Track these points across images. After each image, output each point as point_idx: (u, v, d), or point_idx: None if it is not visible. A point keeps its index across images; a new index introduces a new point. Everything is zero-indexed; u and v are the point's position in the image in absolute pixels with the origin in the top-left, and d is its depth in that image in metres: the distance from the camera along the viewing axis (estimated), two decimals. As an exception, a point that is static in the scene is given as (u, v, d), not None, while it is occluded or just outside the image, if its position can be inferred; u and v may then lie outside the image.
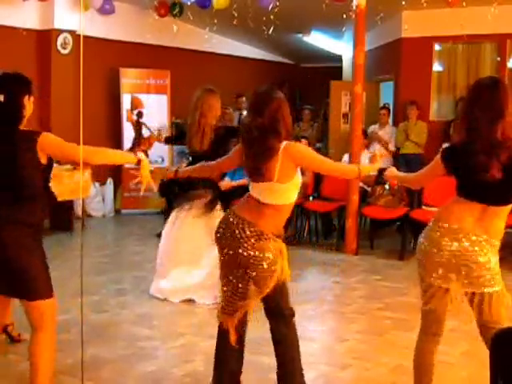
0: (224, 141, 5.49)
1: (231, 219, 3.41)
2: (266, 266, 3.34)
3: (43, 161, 3.29)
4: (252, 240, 3.32)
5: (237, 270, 3.39)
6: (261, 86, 3.51)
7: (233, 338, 3.48)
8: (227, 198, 6.01)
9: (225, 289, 3.48)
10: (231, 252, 3.38)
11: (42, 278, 3.30)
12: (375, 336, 4.96)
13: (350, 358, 4.49)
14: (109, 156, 3.57)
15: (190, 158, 5.71)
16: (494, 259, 3.18)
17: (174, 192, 5.87)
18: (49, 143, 3.28)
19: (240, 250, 3.34)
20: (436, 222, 3.25)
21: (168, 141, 6.45)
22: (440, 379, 3.48)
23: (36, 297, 3.28)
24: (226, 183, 7.78)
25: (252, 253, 3.32)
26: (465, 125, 3.14)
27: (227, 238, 3.40)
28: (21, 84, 3.40)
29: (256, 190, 3.42)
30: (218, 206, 5.62)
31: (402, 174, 3.76)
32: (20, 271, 3.24)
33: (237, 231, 3.34)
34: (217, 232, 3.47)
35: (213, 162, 3.82)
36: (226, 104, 11.20)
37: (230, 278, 3.43)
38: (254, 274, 3.34)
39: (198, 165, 4.05)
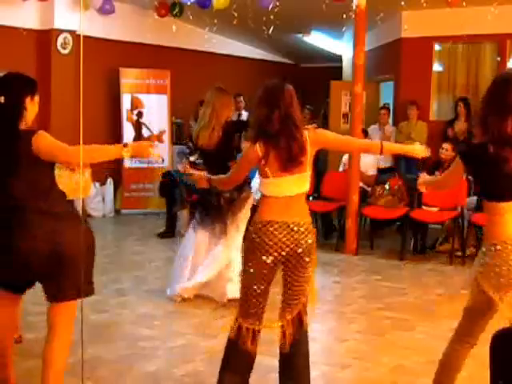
0: (231, 136, 5.54)
1: (303, 228, 3.36)
2: (310, 272, 3.44)
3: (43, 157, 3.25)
4: (310, 235, 3.37)
5: (274, 274, 3.40)
6: (270, 81, 3.49)
7: (248, 341, 3.41)
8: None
9: (257, 293, 3.41)
10: (307, 259, 3.40)
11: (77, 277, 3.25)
12: (375, 336, 4.96)
13: (350, 357, 4.49)
14: (100, 153, 3.44)
15: (197, 153, 5.70)
16: None
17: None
18: (41, 142, 3.22)
19: (299, 250, 3.35)
20: (501, 244, 3.11)
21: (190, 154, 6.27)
22: (440, 379, 3.48)
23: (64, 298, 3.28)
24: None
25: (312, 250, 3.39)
26: (477, 121, 3.17)
27: (309, 249, 3.39)
28: (22, 85, 3.34)
29: (284, 184, 3.35)
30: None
31: (429, 178, 3.75)
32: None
33: (312, 239, 3.38)
34: (304, 247, 3.38)
35: (229, 175, 3.75)
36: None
37: (265, 285, 3.40)
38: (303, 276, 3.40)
39: (224, 176, 3.88)
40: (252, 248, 3.38)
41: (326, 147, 3.59)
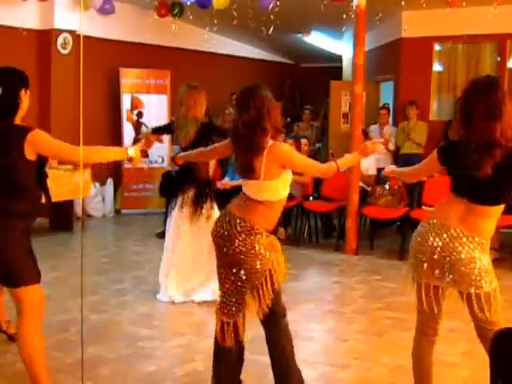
0: (206, 136, 5.49)
1: (224, 217, 3.46)
2: (259, 266, 3.36)
3: (30, 157, 3.33)
4: (243, 235, 3.35)
5: (233, 268, 3.41)
6: (248, 83, 3.51)
7: (227, 337, 3.48)
8: (226, 199, 5.98)
9: (223, 288, 3.48)
10: (225, 250, 3.41)
11: (22, 265, 3.37)
12: (375, 336, 4.96)
13: (350, 357, 4.49)
14: (99, 154, 3.61)
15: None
16: (481, 258, 3.14)
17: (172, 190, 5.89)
18: (38, 140, 3.34)
19: (232, 247, 3.37)
20: (427, 219, 3.29)
21: (156, 131, 6.40)
22: (440, 379, 3.48)
23: (18, 284, 3.38)
24: (225, 183, 7.79)
25: (243, 249, 3.35)
26: (462, 123, 3.15)
27: (221, 236, 3.43)
28: (17, 78, 3.47)
29: (246, 186, 3.46)
30: (215, 207, 5.61)
31: (398, 169, 3.82)
32: (5, 258, 3.35)
33: (229, 228, 3.38)
34: (213, 231, 3.50)
35: (207, 148, 3.88)
36: (226, 104, 11.24)
37: (228, 277, 3.44)
38: (246, 271, 3.36)
39: (194, 150, 4.08)
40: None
41: (285, 165, 3.42)
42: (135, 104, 10.51)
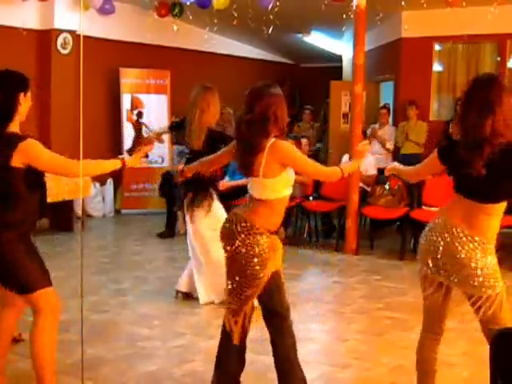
0: (215, 145, 5.26)
1: (229, 217, 3.49)
2: (258, 267, 3.35)
3: (16, 165, 3.24)
4: (242, 235, 3.35)
5: (236, 267, 3.41)
6: (259, 82, 3.50)
7: (236, 336, 3.48)
8: (229, 199, 5.98)
9: (229, 288, 3.49)
10: (228, 248, 3.42)
11: (28, 272, 3.34)
12: (375, 336, 4.96)
13: (350, 357, 4.49)
14: (96, 167, 3.57)
15: (188, 155, 5.67)
16: (483, 259, 3.11)
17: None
18: (29, 152, 3.25)
19: (233, 247, 3.38)
20: (433, 218, 3.29)
21: (173, 128, 6.34)
22: (440, 379, 3.48)
23: (27, 290, 3.37)
24: (225, 183, 7.78)
25: (243, 250, 3.35)
26: (459, 121, 3.16)
27: (224, 236, 3.45)
28: (14, 81, 3.41)
29: (249, 185, 3.48)
30: (220, 206, 5.57)
31: (400, 167, 3.80)
32: (4, 268, 3.33)
33: (231, 227, 3.39)
34: (220, 232, 3.51)
35: (211, 156, 3.86)
36: (226, 104, 11.23)
37: (233, 276, 3.45)
38: (246, 270, 3.36)
39: (197, 161, 4.06)
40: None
41: (287, 165, 3.41)
42: (135, 104, 10.51)
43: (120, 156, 3.66)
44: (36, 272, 3.38)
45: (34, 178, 3.37)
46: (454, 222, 3.16)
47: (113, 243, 8.65)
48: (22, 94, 3.38)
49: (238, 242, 3.36)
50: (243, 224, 3.36)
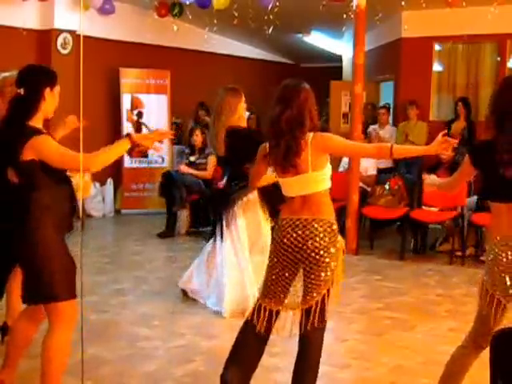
0: (238, 145, 5.14)
1: (284, 223, 3.38)
2: (329, 273, 3.40)
3: (27, 157, 3.19)
4: (323, 234, 3.33)
5: (302, 267, 3.41)
6: (288, 80, 3.49)
7: (260, 323, 3.44)
8: (226, 199, 5.78)
9: (276, 274, 3.46)
10: (304, 247, 3.35)
11: (57, 278, 3.28)
12: (375, 336, 4.95)
13: (350, 358, 4.49)
14: (106, 155, 3.43)
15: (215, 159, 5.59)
16: None
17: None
18: (40, 147, 3.20)
19: (310, 249, 3.33)
20: (490, 241, 3.19)
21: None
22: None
23: (52, 299, 3.29)
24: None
25: (334, 250, 3.36)
26: (495, 123, 3.14)
27: (328, 243, 3.37)
28: (41, 76, 3.36)
29: (294, 186, 3.40)
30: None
31: (438, 181, 3.73)
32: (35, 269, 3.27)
33: (306, 229, 3.33)
34: (319, 242, 3.37)
35: (251, 173, 3.81)
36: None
37: (291, 270, 3.45)
38: (318, 272, 3.37)
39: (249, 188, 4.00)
40: (272, 244, 3.49)
41: (333, 153, 3.49)
42: (135, 104, 10.51)
43: (124, 134, 3.55)
44: (65, 281, 3.31)
45: (54, 169, 3.28)
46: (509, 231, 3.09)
47: (113, 243, 8.65)
48: (47, 89, 3.31)
49: (319, 239, 3.34)
50: (320, 223, 3.35)
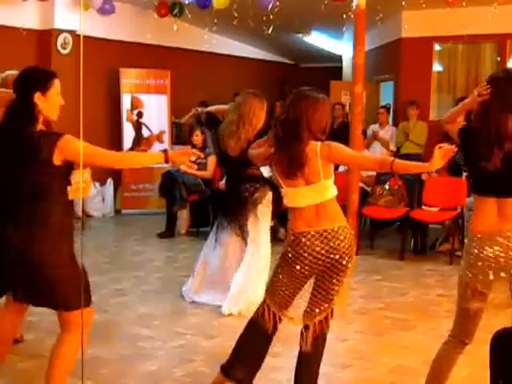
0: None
1: (305, 238, 3.38)
2: (348, 271, 3.50)
3: (56, 162, 3.15)
4: (346, 239, 3.44)
5: (320, 275, 3.44)
6: (305, 87, 3.51)
7: (269, 324, 3.47)
8: (226, 199, 5.79)
9: (287, 278, 3.46)
10: (332, 256, 3.40)
11: (72, 287, 3.18)
12: (375, 336, 4.95)
13: (350, 357, 4.48)
14: (136, 160, 3.53)
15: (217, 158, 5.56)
16: None
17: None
18: (70, 147, 3.15)
19: (337, 256, 3.42)
20: (471, 236, 3.22)
21: (206, 121, 5.94)
22: (440, 379, 3.48)
23: (67, 308, 3.23)
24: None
25: (347, 257, 3.48)
26: (478, 111, 3.18)
27: (349, 250, 3.47)
28: (29, 81, 3.22)
29: (306, 195, 3.39)
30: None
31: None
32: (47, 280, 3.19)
33: (336, 239, 3.40)
34: (341, 251, 3.46)
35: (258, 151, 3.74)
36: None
37: (302, 283, 3.49)
38: (337, 277, 3.44)
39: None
40: (285, 259, 3.44)
41: (338, 163, 3.54)
42: (135, 104, 10.51)
43: (161, 149, 3.56)
44: (78, 288, 3.17)
45: (64, 176, 3.27)
46: (497, 226, 3.12)
47: (113, 243, 8.65)
48: (37, 94, 3.17)
49: (343, 248, 3.45)
50: (341, 231, 3.43)
